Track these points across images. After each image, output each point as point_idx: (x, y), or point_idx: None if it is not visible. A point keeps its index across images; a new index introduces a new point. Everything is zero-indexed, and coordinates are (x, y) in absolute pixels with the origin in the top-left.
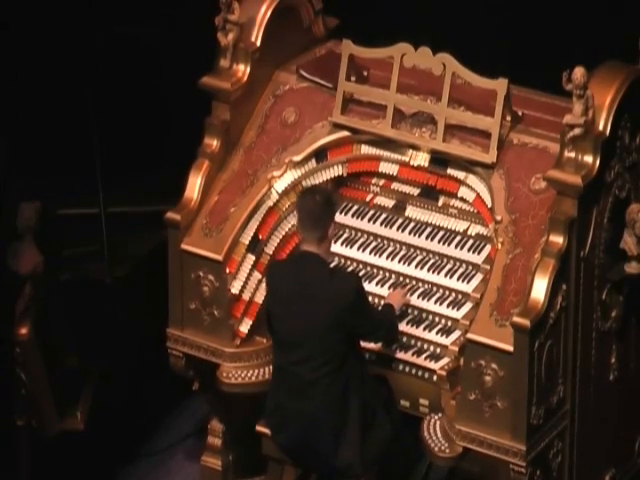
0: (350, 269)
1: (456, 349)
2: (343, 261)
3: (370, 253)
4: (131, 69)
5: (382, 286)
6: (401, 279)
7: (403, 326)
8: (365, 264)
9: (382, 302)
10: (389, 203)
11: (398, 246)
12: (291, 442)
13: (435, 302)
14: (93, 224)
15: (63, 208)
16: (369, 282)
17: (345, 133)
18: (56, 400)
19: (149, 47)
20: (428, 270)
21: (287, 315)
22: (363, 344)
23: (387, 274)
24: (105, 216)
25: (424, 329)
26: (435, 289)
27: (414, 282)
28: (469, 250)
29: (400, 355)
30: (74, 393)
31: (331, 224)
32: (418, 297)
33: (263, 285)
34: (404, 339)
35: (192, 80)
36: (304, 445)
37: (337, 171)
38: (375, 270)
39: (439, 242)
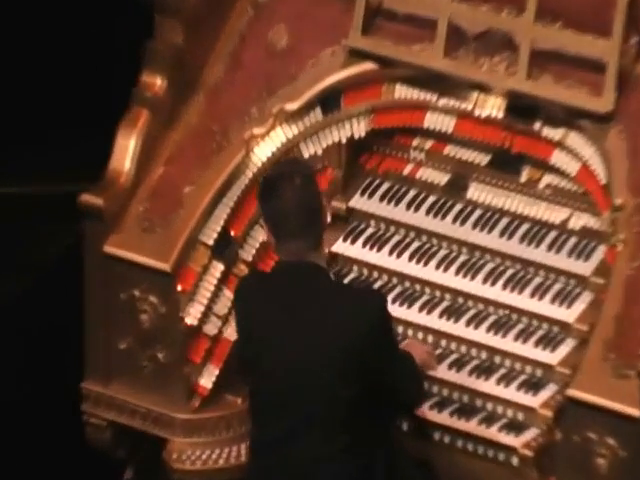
0: (375, 286)
1: (549, 414)
2: (366, 272)
3: (410, 259)
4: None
5: (429, 312)
6: (459, 300)
7: (462, 377)
8: (402, 276)
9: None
10: (441, 178)
11: (455, 247)
12: None
13: (515, 338)
14: None
15: None
16: (408, 305)
17: (369, 65)
18: None
19: None
20: (504, 287)
21: (275, 355)
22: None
23: (437, 293)
24: None
25: (497, 382)
26: (515, 317)
27: (482, 306)
28: (570, 254)
29: (457, 424)
30: None
31: (326, 213)
32: (488, 331)
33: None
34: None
35: None
36: None
37: (357, 128)
38: (418, 286)
39: (521, 241)
